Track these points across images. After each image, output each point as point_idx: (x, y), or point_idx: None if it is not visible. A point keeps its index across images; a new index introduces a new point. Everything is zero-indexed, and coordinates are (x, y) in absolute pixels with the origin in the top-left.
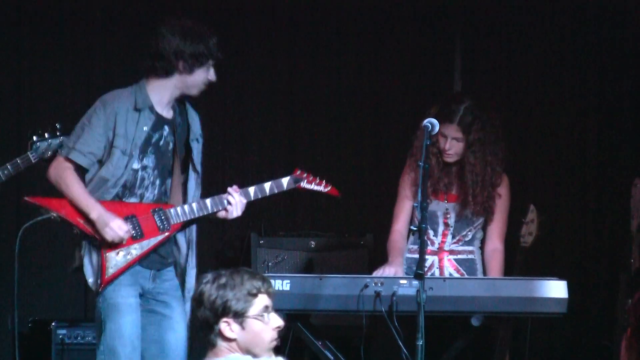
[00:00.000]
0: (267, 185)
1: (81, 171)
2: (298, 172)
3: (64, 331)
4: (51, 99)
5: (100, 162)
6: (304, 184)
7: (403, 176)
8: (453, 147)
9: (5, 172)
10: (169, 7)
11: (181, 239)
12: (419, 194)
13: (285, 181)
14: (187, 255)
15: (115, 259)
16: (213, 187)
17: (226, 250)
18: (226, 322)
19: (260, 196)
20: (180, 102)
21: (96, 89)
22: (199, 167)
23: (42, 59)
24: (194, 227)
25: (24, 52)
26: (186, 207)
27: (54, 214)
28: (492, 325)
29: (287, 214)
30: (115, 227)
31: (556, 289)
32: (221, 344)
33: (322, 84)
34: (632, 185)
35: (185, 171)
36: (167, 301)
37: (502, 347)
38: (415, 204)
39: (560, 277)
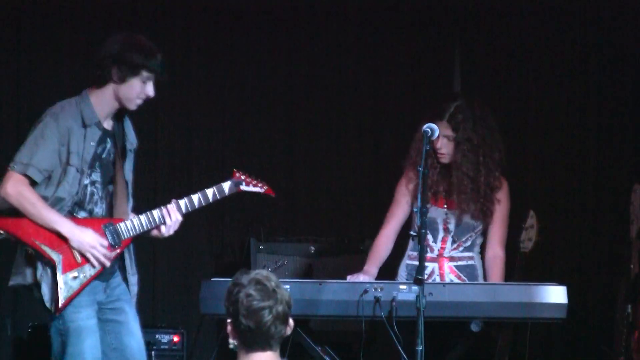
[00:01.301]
0: (210, 192)
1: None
2: (237, 175)
3: None
4: (51, 100)
5: (49, 180)
6: (243, 187)
7: (400, 181)
8: (444, 146)
9: None
10: (168, 7)
11: (124, 254)
12: (419, 199)
13: (226, 186)
14: (125, 264)
15: (70, 283)
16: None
17: (225, 255)
18: None
19: (203, 204)
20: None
21: None
22: (129, 177)
23: (41, 59)
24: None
25: (23, 52)
26: (135, 220)
27: (9, 235)
28: (492, 331)
29: (287, 219)
30: (94, 244)
31: (556, 294)
32: None
33: (321, 89)
34: (632, 191)
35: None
36: (120, 307)
37: (501, 352)
38: (415, 209)
39: (560, 283)
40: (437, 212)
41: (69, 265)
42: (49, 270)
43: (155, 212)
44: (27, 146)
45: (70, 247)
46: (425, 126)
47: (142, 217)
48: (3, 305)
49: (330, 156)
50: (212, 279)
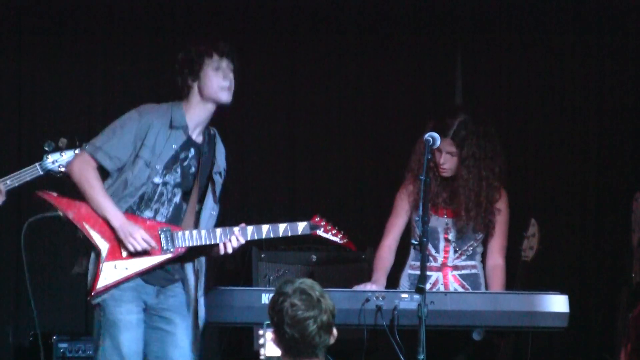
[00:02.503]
0: (282, 227)
1: (101, 173)
2: (317, 219)
3: (65, 344)
4: (52, 103)
5: (121, 170)
6: (320, 232)
7: (400, 191)
8: (448, 161)
9: (9, 182)
10: (169, 10)
11: (188, 269)
12: (420, 208)
13: (301, 226)
14: (196, 286)
15: (110, 271)
16: None
17: (227, 264)
18: None
19: (272, 236)
20: (211, 133)
21: (96, 91)
22: (217, 200)
23: (42, 61)
24: (202, 260)
25: (24, 54)
26: (195, 232)
27: (62, 214)
28: (493, 340)
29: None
30: (139, 237)
31: (557, 303)
32: None
33: (323, 96)
34: (633, 199)
35: (200, 201)
36: (170, 317)
37: None
38: (417, 218)
39: (562, 292)
40: (437, 222)
41: (113, 256)
42: (93, 256)
43: (218, 231)
44: (105, 132)
45: (118, 240)
46: (426, 135)
47: (203, 231)
48: (4, 313)
49: (332, 164)
50: (214, 288)
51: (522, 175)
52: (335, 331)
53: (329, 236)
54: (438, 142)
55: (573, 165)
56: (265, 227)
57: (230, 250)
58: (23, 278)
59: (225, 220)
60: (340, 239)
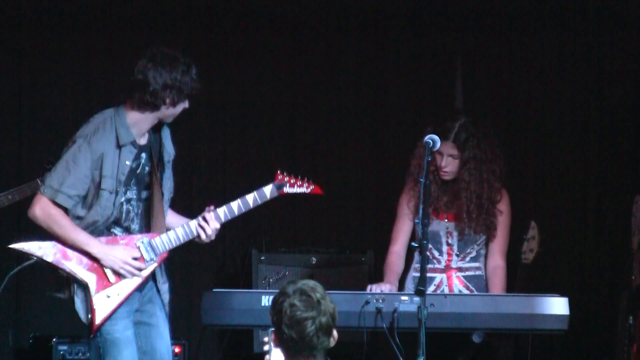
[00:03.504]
0: (251, 198)
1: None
2: (279, 177)
3: (65, 347)
4: (52, 105)
5: (88, 205)
6: (287, 189)
7: (402, 196)
8: (449, 164)
9: (10, 197)
10: (169, 10)
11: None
12: (420, 210)
13: (268, 190)
14: (157, 272)
15: (104, 303)
16: (214, 190)
17: (227, 266)
18: None
19: (244, 210)
20: None
21: (97, 93)
22: (167, 188)
23: (43, 63)
24: None
25: (25, 56)
26: (171, 233)
27: (38, 259)
28: (493, 342)
29: (288, 230)
30: (127, 260)
31: (557, 305)
32: None
33: (323, 100)
34: (634, 202)
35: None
36: (151, 310)
37: None
38: (417, 220)
39: (562, 294)
40: (439, 225)
41: (102, 285)
42: (82, 290)
43: (193, 224)
44: (59, 170)
45: (102, 267)
46: (427, 137)
47: (179, 229)
48: (4, 316)
49: (332, 167)
50: (214, 290)
51: (522, 177)
52: (335, 334)
53: (295, 190)
54: (438, 145)
55: (573, 168)
56: (235, 204)
57: (213, 238)
58: (23, 281)
59: (225, 225)
60: (307, 187)
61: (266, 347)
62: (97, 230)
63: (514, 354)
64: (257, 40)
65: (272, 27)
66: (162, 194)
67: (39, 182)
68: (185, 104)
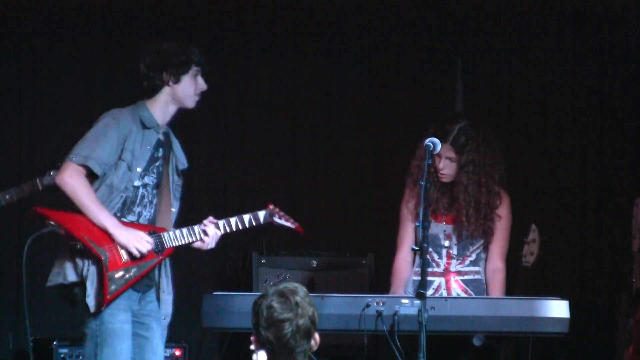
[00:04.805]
0: (246, 218)
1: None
2: (271, 207)
3: (65, 350)
4: (53, 105)
5: (104, 175)
6: (276, 219)
7: (402, 202)
8: (446, 167)
9: (7, 197)
10: (169, 10)
11: (157, 272)
12: (420, 213)
13: (261, 215)
14: (160, 281)
15: (116, 279)
16: (214, 189)
17: (227, 269)
18: None
19: (240, 228)
20: (165, 131)
21: (97, 93)
22: (174, 192)
23: (43, 63)
24: (167, 260)
25: (25, 56)
26: (178, 232)
27: (58, 227)
28: (494, 345)
29: (288, 233)
30: (142, 240)
31: (558, 308)
32: None
33: (324, 102)
34: (634, 205)
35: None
36: (148, 323)
37: None
38: (417, 223)
39: (562, 297)
40: (438, 228)
41: (115, 264)
42: (94, 268)
43: (196, 228)
44: (87, 141)
45: (117, 247)
46: (427, 140)
47: (185, 230)
48: (5, 319)
49: (332, 170)
50: (214, 293)
51: (522, 180)
52: (317, 337)
53: (283, 222)
54: (439, 148)
55: (573, 171)
56: (233, 220)
57: (213, 245)
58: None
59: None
60: (292, 223)
61: (252, 347)
62: (110, 205)
63: (515, 357)
64: (257, 40)
65: (272, 27)
66: (170, 192)
67: (38, 181)
68: (195, 83)
